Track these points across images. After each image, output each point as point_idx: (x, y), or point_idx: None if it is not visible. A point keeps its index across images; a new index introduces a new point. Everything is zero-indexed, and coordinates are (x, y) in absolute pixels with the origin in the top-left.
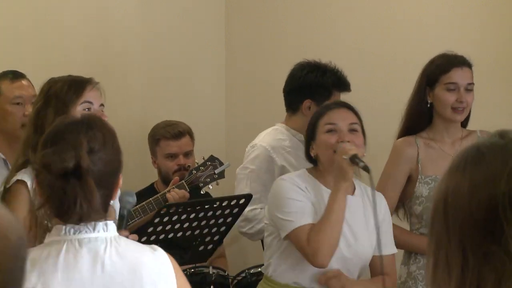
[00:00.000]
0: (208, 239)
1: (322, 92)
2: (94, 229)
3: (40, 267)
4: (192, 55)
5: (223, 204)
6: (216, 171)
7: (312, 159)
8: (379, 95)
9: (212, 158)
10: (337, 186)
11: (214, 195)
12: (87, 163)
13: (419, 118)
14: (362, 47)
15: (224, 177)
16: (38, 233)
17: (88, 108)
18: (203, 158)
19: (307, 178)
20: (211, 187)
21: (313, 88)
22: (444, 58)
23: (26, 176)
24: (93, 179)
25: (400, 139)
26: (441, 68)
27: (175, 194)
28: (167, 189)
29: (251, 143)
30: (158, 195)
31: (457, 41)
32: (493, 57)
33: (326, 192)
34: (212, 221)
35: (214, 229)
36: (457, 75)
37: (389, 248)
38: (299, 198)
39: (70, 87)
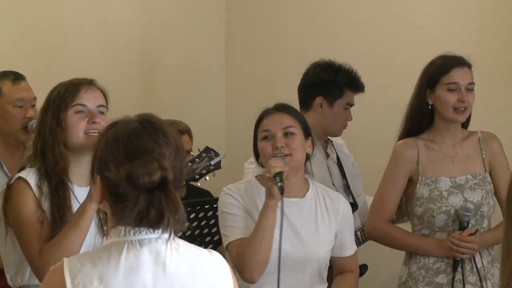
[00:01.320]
0: (208, 239)
1: (334, 89)
2: (154, 230)
3: (101, 269)
4: (192, 55)
5: None
6: (212, 162)
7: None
8: (379, 95)
9: (207, 150)
10: (265, 203)
11: (216, 188)
12: (172, 174)
13: (420, 120)
14: (362, 47)
15: (220, 167)
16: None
17: (81, 111)
18: (198, 150)
19: (250, 187)
20: (207, 179)
21: (325, 85)
22: (443, 59)
23: (26, 174)
24: (174, 189)
25: (400, 141)
26: (441, 69)
27: None
28: None
29: None
30: None
31: (457, 42)
32: (493, 58)
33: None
34: (212, 221)
35: (214, 229)
36: (458, 75)
37: (351, 249)
38: (233, 211)
39: (67, 90)
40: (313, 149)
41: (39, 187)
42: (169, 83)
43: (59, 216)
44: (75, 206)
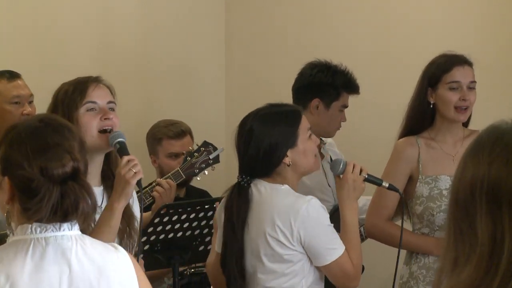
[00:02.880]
0: (208, 239)
1: (331, 92)
2: (60, 228)
3: (8, 267)
4: (192, 55)
5: None
6: (211, 156)
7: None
8: (380, 95)
9: (205, 144)
10: (343, 205)
11: (216, 188)
12: (82, 165)
13: (421, 119)
14: (362, 46)
15: (219, 161)
16: None
17: (92, 108)
18: (197, 145)
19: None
20: (206, 173)
21: (322, 88)
22: (445, 57)
23: None
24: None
25: (401, 140)
26: (442, 68)
27: (160, 188)
28: (163, 177)
29: None
30: (153, 181)
31: (457, 41)
32: (493, 57)
33: None
34: (212, 221)
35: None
36: (459, 74)
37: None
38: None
39: (75, 89)
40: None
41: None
42: (169, 83)
43: None
44: None
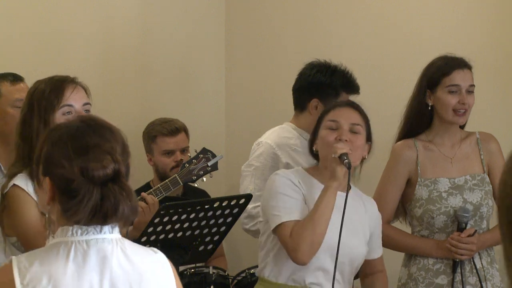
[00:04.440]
0: (208, 239)
1: (330, 92)
2: (100, 231)
3: (49, 269)
4: (192, 55)
5: (223, 204)
6: (209, 163)
7: (314, 155)
8: (379, 96)
9: (204, 151)
10: (326, 185)
11: (217, 190)
12: (123, 167)
13: (419, 120)
14: (362, 48)
15: (217, 168)
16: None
17: (68, 112)
18: (195, 151)
19: (302, 175)
20: (204, 180)
21: (321, 88)
22: (444, 60)
23: (20, 181)
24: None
25: (399, 142)
26: (442, 70)
27: (143, 203)
28: (161, 184)
29: (257, 140)
30: (151, 189)
31: (456, 42)
32: (492, 58)
33: (320, 189)
34: (212, 221)
35: (214, 229)
36: (459, 77)
37: (380, 250)
38: (290, 194)
39: (52, 91)
40: (368, 154)
41: (37, 193)
42: (169, 83)
43: None
44: None
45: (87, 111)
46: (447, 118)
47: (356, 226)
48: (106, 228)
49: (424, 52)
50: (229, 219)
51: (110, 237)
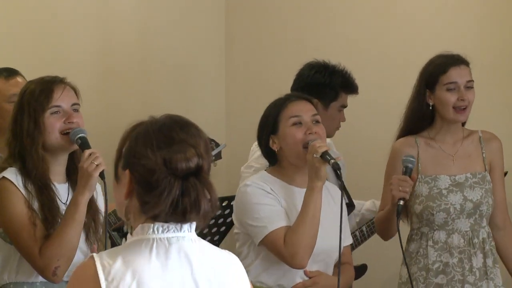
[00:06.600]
0: (208, 239)
1: (329, 92)
2: (180, 229)
3: (132, 265)
4: (192, 55)
5: (223, 204)
6: (213, 153)
7: (270, 154)
8: (379, 95)
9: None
10: (312, 185)
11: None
12: (206, 164)
13: (420, 120)
14: (362, 46)
15: (221, 158)
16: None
17: (56, 112)
18: None
19: (269, 179)
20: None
21: (320, 88)
22: (440, 58)
23: (10, 174)
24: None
25: (398, 140)
26: (438, 69)
27: None
28: None
29: (256, 142)
30: None
31: (456, 41)
32: (492, 57)
33: (291, 190)
34: (212, 221)
35: (214, 229)
36: (456, 74)
37: (348, 239)
38: (267, 202)
39: (41, 92)
40: None
41: (26, 188)
42: (169, 83)
43: (51, 215)
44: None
45: (76, 111)
46: (448, 116)
47: (329, 221)
48: (185, 226)
49: (424, 52)
50: (229, 219)
51: (190, 236)
